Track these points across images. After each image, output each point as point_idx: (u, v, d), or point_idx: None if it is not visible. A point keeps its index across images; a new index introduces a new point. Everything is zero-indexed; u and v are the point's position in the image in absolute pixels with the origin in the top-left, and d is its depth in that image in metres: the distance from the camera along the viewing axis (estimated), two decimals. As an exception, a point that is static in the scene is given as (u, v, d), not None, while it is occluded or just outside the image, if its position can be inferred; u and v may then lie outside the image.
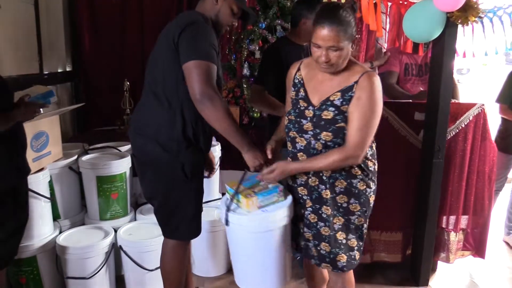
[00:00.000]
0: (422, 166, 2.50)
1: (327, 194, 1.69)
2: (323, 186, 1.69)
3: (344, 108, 1.60)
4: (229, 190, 1.78)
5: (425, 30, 2.19)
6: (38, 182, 2.29)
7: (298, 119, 1.67)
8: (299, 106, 1.70)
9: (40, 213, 2.33)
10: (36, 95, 1.98)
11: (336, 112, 1.61)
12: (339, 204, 1.70)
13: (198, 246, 2.58)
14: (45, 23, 3.11)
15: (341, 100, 1.61)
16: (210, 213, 2.68)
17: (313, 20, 1.57)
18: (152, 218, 2.34)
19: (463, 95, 3.01)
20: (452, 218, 2.60)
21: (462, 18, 2.14)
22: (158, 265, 2.06)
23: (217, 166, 2.84)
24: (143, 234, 2.46)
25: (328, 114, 1.61)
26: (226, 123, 1.67)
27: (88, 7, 3.72)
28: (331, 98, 1.62)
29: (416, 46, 2.88)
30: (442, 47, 2.26)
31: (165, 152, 1.78)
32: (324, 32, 1.51)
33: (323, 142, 1.62)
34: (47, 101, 1.99)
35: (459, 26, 2.22)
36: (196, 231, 1.99)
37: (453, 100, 2.48)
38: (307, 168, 1.67)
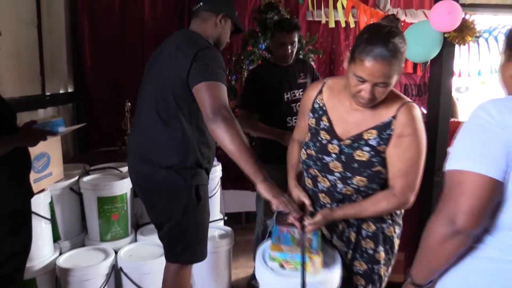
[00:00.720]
0: (423, 185, 2.49)
1: (353, 237, 1.47)
2: (350, 229, 1.48)
3: (382, 148, 1.34)
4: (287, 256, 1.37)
5: (423, 50, 2.22)
6: (39, 203, 2.28)
7: (320, 155, 1.41)
8: (320, 139, 1.42)
9: (40, 235, 2.31)
10: (44, 122, 1.89)
11: (373, 153, 1.34)
12: (363, 249, 1.48)
13: (200, 267, 2.53)
14: (47, 45, 3.15)
15: (377, 139, 1.34)
16: (211, 234, 2.66)
17: (358, 48, 1.24)
18: (153, 239, 2.33)
19: (463, 113, 3.04)
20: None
21: (459, 38, 2.18)
22: (159, 287, 2.04)
23: (218, 186, 2.84)
24: (143, 255, 2.43)
25: (363, 155, 1.35)
26: (240, 147, 1.49)
27: (90, 29, 3.79)
28: (365, 137, 1.35)
29: (415, 66, 2.92)
30: (440, 67, 2.28)
31: (178, 177, 1.76)
32: (374, 67, 1.21)
33: (355, 187, 1.37)
34: (54, 130, 1.87)
35: (456, 46, 2.25)
36: (203, 254, 1.95)
37: (452, 119, 2.49)
38: (351, 216, 1.42)
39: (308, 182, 1.51)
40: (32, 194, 1.96)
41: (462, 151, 0.98)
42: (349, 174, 1.36)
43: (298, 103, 2.38)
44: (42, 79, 3.06)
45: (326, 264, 1.36)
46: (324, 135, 1.42)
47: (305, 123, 1.53)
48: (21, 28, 2.82)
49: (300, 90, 2.45)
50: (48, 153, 2.38)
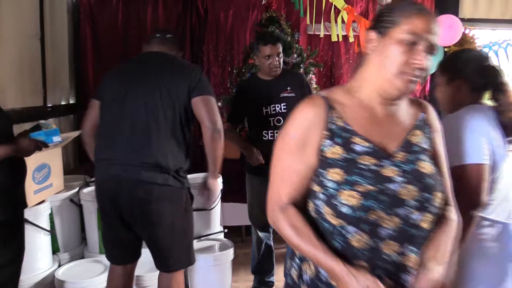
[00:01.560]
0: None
1: None
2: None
3: (431, 152, 1.10)
4: None
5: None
6: (39, 214, 2.28)
7: (381, 186, 0.99)
8: (363, 167, 1.00)
9: (39, 246, 2.30)
10: (39, 132, 1.90)
11: (431, 160, 1.09)
12: None
13: (203, 281, 2.53)
14: (50, 57, 3.17)
15: (426, 141, 1.10)
16: (213, 247, 2.65)
17: (393, 12, 1.03)
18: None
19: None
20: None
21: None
22: (158, 299, 2.02)
23: (218, 199, 2.83)
24: (142, 268, 2.41)
25: (426, 165, 1.05)
26: (222, 151, 1.91)
27: (92, 42, 3.83)
28: (414, 141, 1.08)
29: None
30: (441, 80, 2.29)
31: (179, 180, 1.88)
32: (427, 18, 1.01)
33: (435, 211, 1.03)
34: (49, 140, 1.87)
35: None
36: (193, 257, 2.04)
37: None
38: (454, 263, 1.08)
39: (356, 238, 0.99)
40: (25, 204, 1.95)
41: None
42: (428, 196, 1.01)
43: (278, 117, 2.46)
44: (44, 91, 3.08)
45: None
46: (368, 160, 1.01)
47: (314, 157, 1.04)
48: (24, 40, 2.84)
49: (283, 104, 2.48)
50: (49, 164, 2.38)
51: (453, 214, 1.10)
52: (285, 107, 2.46)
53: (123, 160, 1.82)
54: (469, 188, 1.31)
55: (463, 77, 1.44)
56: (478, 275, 1.38)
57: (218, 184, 2.05)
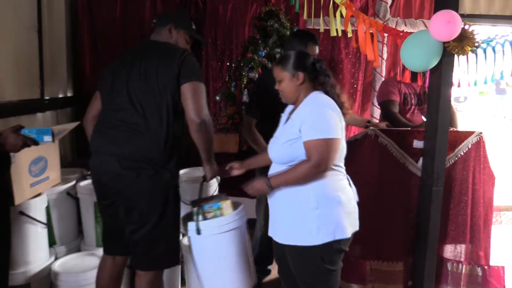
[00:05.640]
0: (421, 194, 2.49)
1: None
2: None
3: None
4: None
5: (422, 60, 2.22)
6: (35, 207, 2.27)
7: None
8: None
9: (36, 239, 2.30)
10: (30, 129, 1.85)
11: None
12: None
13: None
14: (47, 49, 3.15)
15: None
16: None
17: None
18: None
19: (461, 123, 3.03)
20: (457, 247, 2.58)
21: (458, 48, 2.18)
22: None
23: (215, 193, 2.82)
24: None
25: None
26: (211, 141, 1.87)
27: (90, 34, 3.81)
28: None
29: (414, 75, 2.92)
30: (440, 76, 2.29)
31: (160, 174, 1.82)
32: None
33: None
34: (39, 138, 1.80)
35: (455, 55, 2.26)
36: (178, 258, 2.02)
37: (451, 128, 2.49)
38: None
39: None
40: (10, 195, 1.93)
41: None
42: None
43: None
44: (41, 83, 3.06)
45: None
46: None
47: None
48: (22, 32, 2.82)
49: None
50: (45, 157, 2.37)
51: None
52: None
53: (105, 151, 1.86)
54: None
55: (303, 71, 1.78)
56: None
57: (215, 168, 2.00)
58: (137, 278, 1.93)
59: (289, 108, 1.96)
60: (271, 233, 1.90)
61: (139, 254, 1.90)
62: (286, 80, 1.81)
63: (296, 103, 1.85)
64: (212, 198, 2.01)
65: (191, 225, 1.90)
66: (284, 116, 1.97)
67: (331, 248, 1.74)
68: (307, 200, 1.73)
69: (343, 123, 1.78)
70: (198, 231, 1.85)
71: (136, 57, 1.90)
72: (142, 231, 1.85)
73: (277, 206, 1.85)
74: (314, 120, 1.70)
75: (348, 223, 1.77)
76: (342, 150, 1.78)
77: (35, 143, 1.80)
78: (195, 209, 1.93)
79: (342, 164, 1.83)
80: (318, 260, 1.75)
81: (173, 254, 1.97)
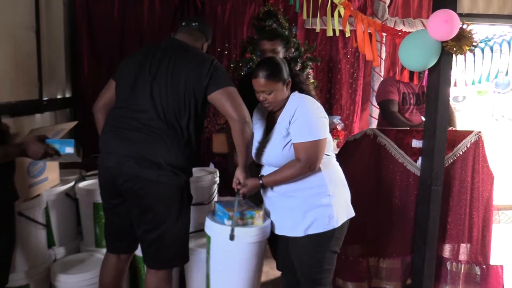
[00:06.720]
0: (420, 193, 2.50)
1: None
2: None
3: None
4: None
5: (421, 59, 2.23)
6: (34, 208, 2.26)
7: None
8: None
9: (35, 240, 2.29)
10: (54, 139, 1.86)
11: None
12: None
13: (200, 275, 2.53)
14: (46, 50, 3.14)
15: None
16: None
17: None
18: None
19: (460, 122, 3.04)
20: (456, 246, 2.58)
21: (456, 47, 2.19)
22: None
23: (215, 193, 2.83)
24: (139, 262, 2.42)
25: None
26: (248, 141, 1.84)
27: (88, 35, 3.81)
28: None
29: (411, 74, 2.92)
30: (438, 75, 2.29)
31: (178, 177, 1.82)
32: None
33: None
34: (61, 149, 1.81)
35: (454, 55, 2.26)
36: (188, 255, 2.01)
37: (450, 128, 2.50)
38: None
39: None
40: (15, 196, 1.92)
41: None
42: None
43: None
44: (40, 84, 3.05)
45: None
46: None
47: None
48: (20, 32, 2.82)
49: None
50: (44, 158, 2.36)
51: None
52: None
53: (122, 152, 1.79)
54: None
55: (289, 79, 1.84)
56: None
57: (245, 176, 1.90)
58: (148, 275, 1.93)
59: (261, 113, 1.99)
60: (278, 231, 1.89)
61: (152, 253, 1.90)
62: (278, 90, 1.81)
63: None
64: (240, 204, 1.90)
65: (221, 228, 1.83)
66: (259, 122, 1.99)
67: (343, 228, 1.87)
68: (320, 190, 1.82)
69: (326, 116, 1.85)
70: (232, 237, 1.77)
71: (164, 57, 1.85)
72: (158, 231, 1.84)
73: (285, 204, 1.87)
74: (302, 122, 1.78)
75: (349, 200, 1.92)
76: (329, 142, 1.86)
77: (57, 153, 1.81)
78: (230, 213, 1.85)
79: (331, 151, 1.90)
80: (330, 244, 1.85)
81: (185, 253, 1.98)
